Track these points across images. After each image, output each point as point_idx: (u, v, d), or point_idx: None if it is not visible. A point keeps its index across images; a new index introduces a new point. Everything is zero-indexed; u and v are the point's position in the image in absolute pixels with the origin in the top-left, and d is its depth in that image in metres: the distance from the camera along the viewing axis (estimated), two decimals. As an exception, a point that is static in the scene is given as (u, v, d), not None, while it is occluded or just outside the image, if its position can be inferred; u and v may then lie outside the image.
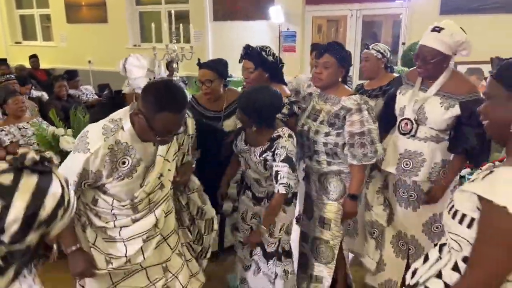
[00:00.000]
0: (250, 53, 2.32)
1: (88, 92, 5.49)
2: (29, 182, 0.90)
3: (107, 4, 7.66)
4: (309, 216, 2.34)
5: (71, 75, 5.31)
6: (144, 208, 1.69)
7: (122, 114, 1.59)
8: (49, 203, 0.90)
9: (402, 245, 2.35)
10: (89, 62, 8.01)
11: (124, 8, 7.53)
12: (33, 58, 7.59)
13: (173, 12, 4.67)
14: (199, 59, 2.55)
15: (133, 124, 1.55)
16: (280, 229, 2.13)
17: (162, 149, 1.66)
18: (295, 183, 2.02)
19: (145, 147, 1.61)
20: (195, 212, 2.08)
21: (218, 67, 2.43)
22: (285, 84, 2.45)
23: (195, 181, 2.06)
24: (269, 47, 2.38)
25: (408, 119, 2.12)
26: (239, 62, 2.39)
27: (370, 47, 2.86)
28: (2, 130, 3.29)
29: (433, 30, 1.96)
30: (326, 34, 7.16)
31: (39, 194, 0.89)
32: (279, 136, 2.02)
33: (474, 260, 1.07)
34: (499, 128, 1.09)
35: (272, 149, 2.00)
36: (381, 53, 2.80)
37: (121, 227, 1.70)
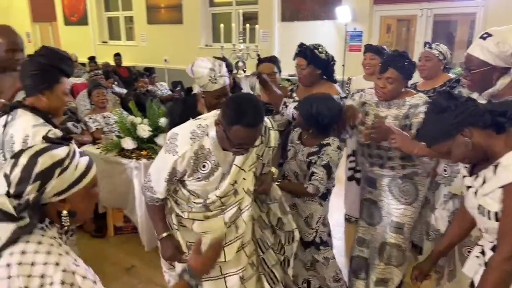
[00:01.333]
0: (303, 51, 2.43)
1: (163, 88, 5.98)
2: (38, 146, 1.05)
3: (183, 6, 8.19)
4: (374, 222, 2.32)
5: (149, 72, 5.83)
6: (216, 208, 1.77)
7: (209, 121, 1.67)
8: (46, 160, 1.01)
9: None
10: (165, 60, 8.62)
11: (199, 10, 8.00)
12: (117, 56, 8.37)
13: (241, 14, 4.92)
14: (258, 55, 2.78)
15: (217, 132, 1.63)
16: (317, 221, 2.25)
17: (239, 158, 1.70)
18: (325, 188, 2.13)
19: (224, 154, 1.67)
20: (275, 222, 2.04)
21: (276, 62, 2.67)
22: (335, 82, 2.57)
23: (277, 192, 2.01)
24: (321, 45, 2.48)
25: None
26: (293, 59, 2.52)
27: (433, 46, 2.84)
28: (90, 118, 3.77)
29: (481, 37, 1.68)
30: (395, 34, 7.01)
31: (39, 153, 1.02)
32: (328, 144, 2.13)
33: (501, 233, 1.18)
34: None
35: (319, 155, 2.12)
36: (443, 54, 2.78)
37: (193, 220, 1.80)
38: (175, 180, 1.72)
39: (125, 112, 3.90)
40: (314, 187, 2.09)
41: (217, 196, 1.72)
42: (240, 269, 1.86)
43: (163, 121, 3.10)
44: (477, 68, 1.68)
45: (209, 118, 1.69)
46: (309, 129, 2.17)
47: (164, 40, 8.61)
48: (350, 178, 3.48)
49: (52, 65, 1.78)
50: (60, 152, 1.04)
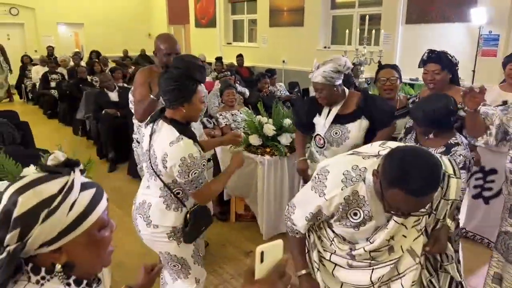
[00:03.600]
0: (436, 56, 2.41)
1: (281, 88, 6.28)
2: (28, 178, 0.82)
3: (305, 9, 8.42)
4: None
5: (271, 73, 6.18)
6: (363, 260, 1.54)
7: (369, 164, 1.42)
8: (28, 200, 0.77)
9: None
10: (283, 61, 8.98)
11: (320, 12, 8.15)
12: (239, 57, 9.01)
13: (367, 17, 4.93)
14: (379, 61, 2.84)
15: (374, 183, 1.36)
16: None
17: None
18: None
19: (381, 206, 1.37)
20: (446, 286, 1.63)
21: (397, 68, 2.72)
22: (459, 85, 2.52)
23: (451, 249, 1.62)
24: (447, 52, 2.46)
25: None
26: (420, 67, 2.50)
27: None
28: (220, 114, 4.21)
29: None
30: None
31: (22, 190, 0.79)
32: (457, 144, 2.05)
33: None
34: None
35: (449, 155, 1.97)
36: None
37: (335, 265, 1.61)
38: (320, 219, 1.56)
39: (250, 111, 4.27)
40: (462, 191, 1.75)
41: (365, 251, 1.49)
42: None
43: (287, 121, 3.35)
44: None
45: (369, 159, 1.45)
46: (430, 132, 2.12)
47: (284, 42, 8.96)
48: (475, 196, 3.30)
49: (188, 77, 1.81)
50: (51, 187, 0.80)
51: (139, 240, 2.07)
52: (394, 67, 2.83)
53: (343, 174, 1.44)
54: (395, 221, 1.43)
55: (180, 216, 1.93)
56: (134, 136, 3.13)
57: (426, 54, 2.47)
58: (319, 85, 2.38)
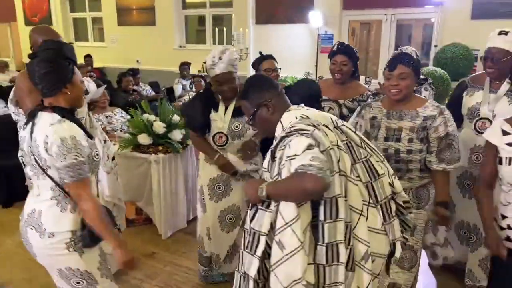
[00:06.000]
0: (345, 47, 2.60)
1: (147, 88, 6.13)
2: None
3: (155, 7, 8.30)
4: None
5: (133, 72, 5.95)
6: None
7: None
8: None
9: (464, 234, 2.64)
10: (137, 61, 8.68)
11: (172, 12, 8.15)
12: (88, 57, 8.32)
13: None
14: (260, 52, 2.99)
15: None
16: None
17: None
18: None
19: None
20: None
21: (275, 59, 2.92)
22: (359, 79, 2.80)
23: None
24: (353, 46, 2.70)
25: (486, 118, 2.38)
26: (329, 57, 2.65)
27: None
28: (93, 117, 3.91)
29: (500, 33, 2.27)
30: (359, 37, 7.62)
31: None
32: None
33: None
34: None
35: None
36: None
37: None
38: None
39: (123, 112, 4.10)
40: None
41: None
42: None
43: (175, 117, 3.35)
44: (503, 57, 2.25)
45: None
46: None
47: (136, 41, 8.66)
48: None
49: (63, 56, 1.67)
50: None
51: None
52: (273, 57, 2.92)
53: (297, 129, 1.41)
54: None
55: (78, 218, 1.66)
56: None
57: (336, 46, 2.62)
58: (227, 75, 2.31)
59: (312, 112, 1.57)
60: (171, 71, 7.48)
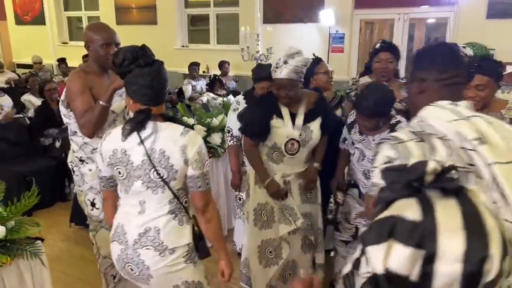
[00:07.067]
0: (388, 44, 2.58)
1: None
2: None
3: (157, 6, 8.07)
4: None
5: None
6: None
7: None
8: None
9: None
10: (138, 61, 8.42)
11: (174, 11, 7.94)
12: (86, 57, 8.05)
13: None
14: (314, 54, 2.90)
15: None
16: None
17: None
18: None
19: None
20: None
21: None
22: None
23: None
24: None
25: None
26: (371, 56, 2.65)
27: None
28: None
29: None
30: (370, 36, 7.58)
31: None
32: (398, 121, 2.17)
33: None
34: None
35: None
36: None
37: None
38: None
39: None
40: None
41: None
42: None
43: (214, 121, 3.20)
44: None
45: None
46: (378, 122, 2.18)
47: (136, 41, 8.32)
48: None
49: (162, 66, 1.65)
50: None
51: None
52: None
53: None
54: None
55: (191, 229, 1.64)
56: (76, 155, 2.36)
57: (378, 44, 2.60)
58: (286, 82, 2.17)
59: None
60: (174, 72, 7.27)
